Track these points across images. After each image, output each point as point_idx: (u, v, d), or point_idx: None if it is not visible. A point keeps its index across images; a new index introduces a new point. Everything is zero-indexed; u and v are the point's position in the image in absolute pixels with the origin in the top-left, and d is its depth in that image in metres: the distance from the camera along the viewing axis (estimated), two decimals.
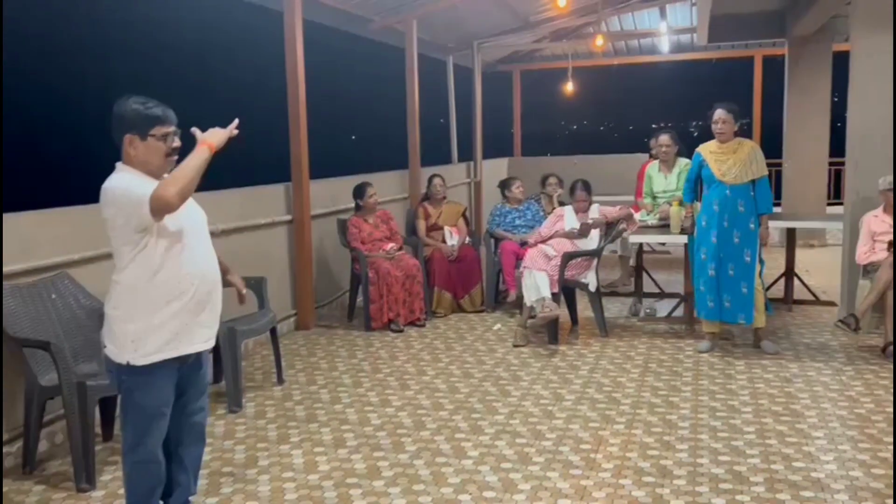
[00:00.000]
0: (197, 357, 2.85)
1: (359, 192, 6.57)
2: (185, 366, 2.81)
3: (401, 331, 6.15)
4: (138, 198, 2.54)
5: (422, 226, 7.01)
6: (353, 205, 6.67)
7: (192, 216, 2.79)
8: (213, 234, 3.01)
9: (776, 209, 10.20)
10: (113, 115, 2.68)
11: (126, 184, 2.62)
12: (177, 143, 2.72)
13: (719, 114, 5.18)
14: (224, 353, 4.52)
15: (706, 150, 5.27)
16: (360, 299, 6.45)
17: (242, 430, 4.17)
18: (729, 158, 5.16)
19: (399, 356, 5.50)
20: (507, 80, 13.58)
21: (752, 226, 5.15)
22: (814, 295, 6.69)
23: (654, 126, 7.03)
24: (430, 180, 7.19)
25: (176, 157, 2.71)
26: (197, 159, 2.58)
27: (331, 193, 6.96)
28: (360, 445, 3.91)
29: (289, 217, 6.24)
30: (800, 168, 9.83)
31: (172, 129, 2.71)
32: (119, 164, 2.71)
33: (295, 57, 6.03)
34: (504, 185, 7.30)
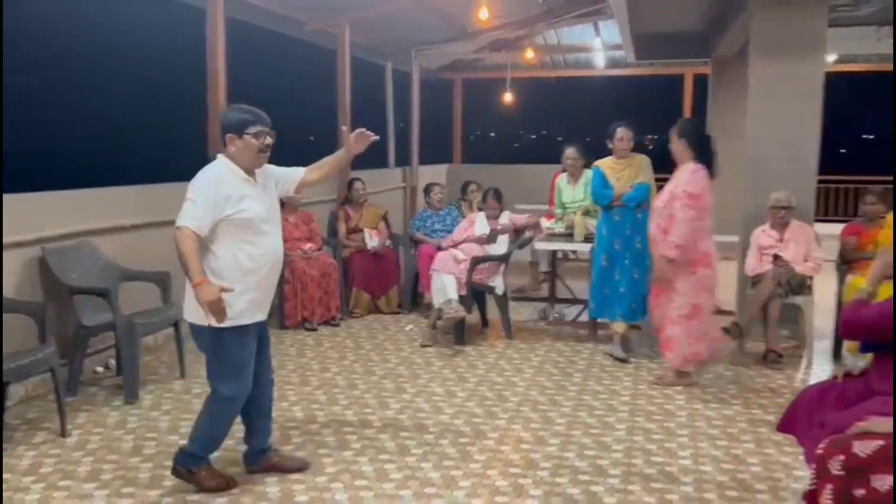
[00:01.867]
0: (265, 322, 3.43)
1: None
2: (260, 328, 3.38)
3: (314, 329, 6.27)
4: (191, 201, 3.13)
5: (342, 228, 7.15)
6: None
7: (271, 209, 3.34)
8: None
9: None
10: (219, 122, 3.37)
11: (213, 178, 3.19)
12: (269, 140, 3.25)
13: (624, 132, 5.51)
14: (123, 346, 4.61)
15: (604, 164, 5.57)
16: (275, 298, 6.54)
17: (134, 421, 4.25)
18: (625, 171, 5.45)
19: (307, 353, 5.63)
20: (450, 87, 13.79)
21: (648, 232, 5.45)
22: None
23: (602, 134, 7.24)
24: (350, 183, 7.34)
25: (268, 154, 3.29)
26: (188, 265, 3.08)
27: None
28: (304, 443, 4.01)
29: None
30: (720, 184, 10.17)
31: (264, 128, 3.25)
32: (220, 155, 3.30)
33: (216, 55, 6.12)
34: (426, 191, 7.51)
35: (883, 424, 2.54)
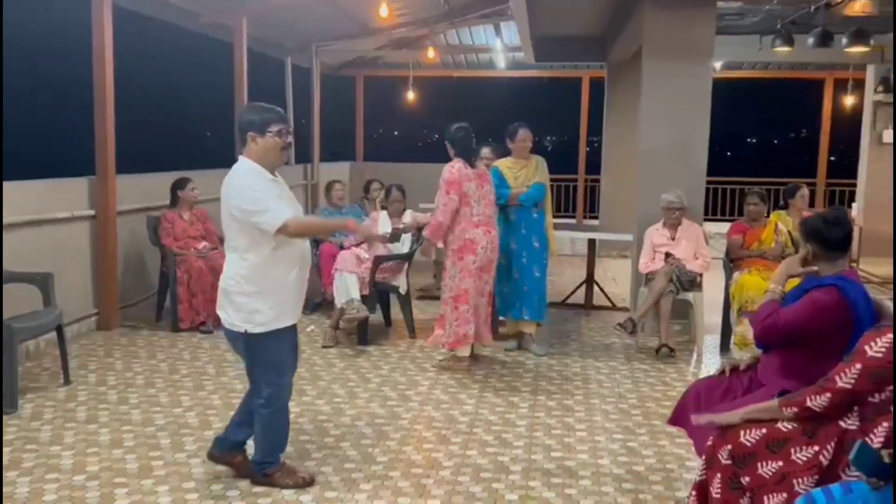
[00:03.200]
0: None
1: (179, 184, 6.43)
2: (293, 331, 3.41)
3: (210, 332, 6.05)
4: (265, 208, 3.11)
5: None
6: (166, 202, 6.50)
7: (296, 209, 3.34)
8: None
9: (594, 222, 10.91)
10: (238, 122, 3.29)
11: (255, 175, 3.17)
12: (290, 138, 3.26)
13: (524, 133, 5.60)
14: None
15: (503, 164, 5.65)
16: (169, 300, 6.29)
17: (13, 432, 3.98)
18: (522, 171, 5.54)
19: (202, 357, 5.43)
20: (352, 84, 13.65)
21: (546, 231, 5.55)
22: (610, 301, 7.22)
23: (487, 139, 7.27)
24: None
25: (289, 151, 3.36)
26: (333, 225, 3.54)
27: (143, 189, 6.75)
28: (137, 445, 3.85)
29: (92, 212, 6.00)
30: (614, 184, 10.53)
31: (285, 126, 3.25)
32: (241, 157, 3.25)
33: (102, 45, 5.81)
34: (328, 188, 7.39)
35: (732, 414, 2.67)
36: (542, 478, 3.56)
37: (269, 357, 3.30)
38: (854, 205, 10.05)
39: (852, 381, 2.38)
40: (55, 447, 3.80)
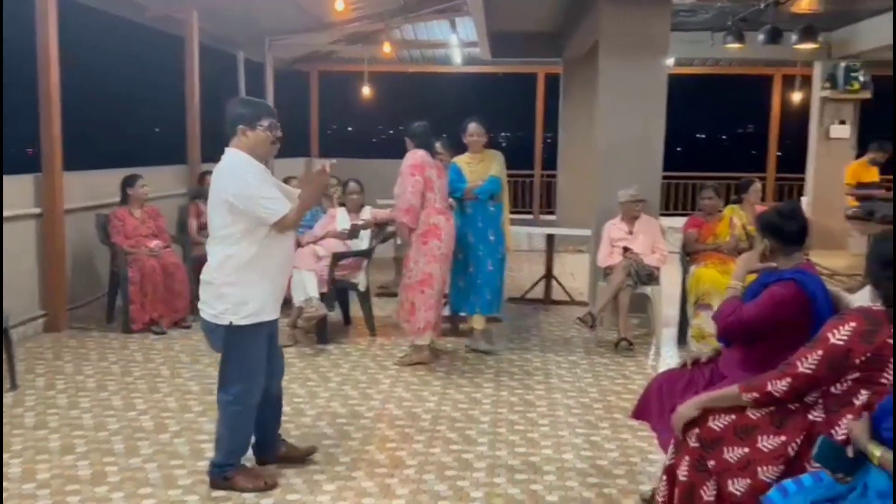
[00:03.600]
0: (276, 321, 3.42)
1: (129, 181, 6.25)
2: (272, 326, 3.37)
3: (163, 333, 5.90)
4: (269, 196, 3.17)
5: (193, 224, 6.78)
6: (117, 200, 6.31)
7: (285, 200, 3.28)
8: None
9: (551, 217, 10.96)
10: (228, 114, 3.24)
11: (248, 170, 3.18)
12: (279, 133, 3.26)
13: (474, 128, 5.60)
14: None
15: (461, 160, 5.65)
16: (121, 300, 6.12)
17: None
18: (478, 165, 5.53)
19: (155, 359, 5.29)
20: (306, 79, 13.48)
21: (502, 225, 5.54)
22: (569, 295, 7.25)
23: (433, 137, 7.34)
24: (202, 177, 6.98)
25: (278, 145, 3.29)
26: (306, 206, 3.34)
27: (91, 186, 6.55)
28: (89, 451, 3.72)
29: (38, 210, 5.80)
30: (571, 179, 10.61)
31: (274, 120, 3.25)
32: (231, 149, 3.23)
33: (47, 38, 5.61)
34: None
35: (686, 407, 2.68)
36: (507, 474, 3.55)
37: (247, 353, 3.27)
38: (803, 199, 10.28)
39: (813, 366, 2.39)
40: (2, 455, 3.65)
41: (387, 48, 10.15)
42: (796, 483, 2.20)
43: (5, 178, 5.81)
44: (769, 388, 2.49)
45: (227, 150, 3.25)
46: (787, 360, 2.48)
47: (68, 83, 5.95)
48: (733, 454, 2.55)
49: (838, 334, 2.35)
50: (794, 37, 7.51)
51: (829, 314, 2.71)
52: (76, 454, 3.68)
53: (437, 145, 6.71)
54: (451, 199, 5.57)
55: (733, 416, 2.59)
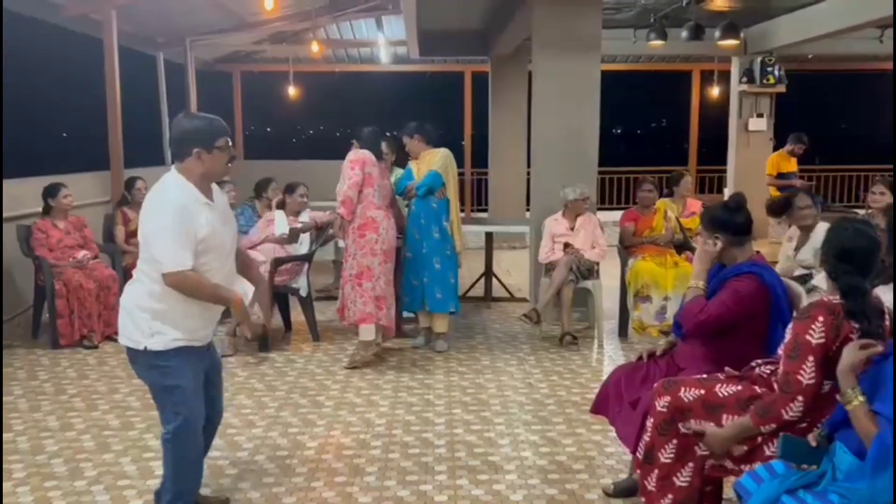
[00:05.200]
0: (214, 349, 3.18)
1: (51, 191, 5.95)
2: (207, 352, 3.08)
3: (95, 347, 5.65)
4: (176, 244, 2.75)
5: (120, 232, 6.51)
6: (38, 209, 6.01)
7: (224, 242, 2.95)
8: None
9: (484, 214, 11.02)
10: (177, 132, 2.88)
11: (176, 207, 2.76)
12: (234, 151, 2.93)
13: (385, 145, 5.61)
14: None
15: (413, 164, 5.63)
16: (47, 315, 5.82)
17: None
18: (423, 165, 5.51)
19: (90, 375, 5.05)
20: (230, 80, 13.14)
21: (445, 223, 5.52)
22: (509, 292, 7.30)
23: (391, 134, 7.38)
24: (130, 182, 6.70)
25: (232, 164, 2.94)
26: (221, 297, 2.89)
27: (11, 196, 6.20)
28: (29, 476, 3.52)
29: None
30: (502, 177, 10.69)
31: (229, 137, 2.92)
32: (176, 171, 2.85)
33: None
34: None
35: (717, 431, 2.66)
36: (469, 475, 3.54)
37: (173, 381, 2.89)
38: (725, 190, 10.65)
39: (813, 375, 2.36)
40: None
41: (315, 47, 9.98)
42: (767, 469, 2.26)
43: None
44: (786, 416, 2.41)
45: (171, 173, 2.86)
46: (783, 379, 2.42)
47: None
48: (700, 426, 2.64)
49: (816, 334, 2.36)
50: (716, 33, 7.74)
51: (786, 303, 2.80)
52: (14, 480, 3.48)
53: (383, 146, 6.67)
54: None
55: (703, 392, 2.67)
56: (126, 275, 6.24)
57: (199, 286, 2.80)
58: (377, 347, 5.27)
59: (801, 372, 2.38)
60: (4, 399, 4.57)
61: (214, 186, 2.96)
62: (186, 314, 2.88)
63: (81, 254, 5.91)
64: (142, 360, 2.91)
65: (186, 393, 2.92)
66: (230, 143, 2.91)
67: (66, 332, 5.64)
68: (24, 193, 6.21)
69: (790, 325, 2.46)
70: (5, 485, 3.44)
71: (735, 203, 3.13)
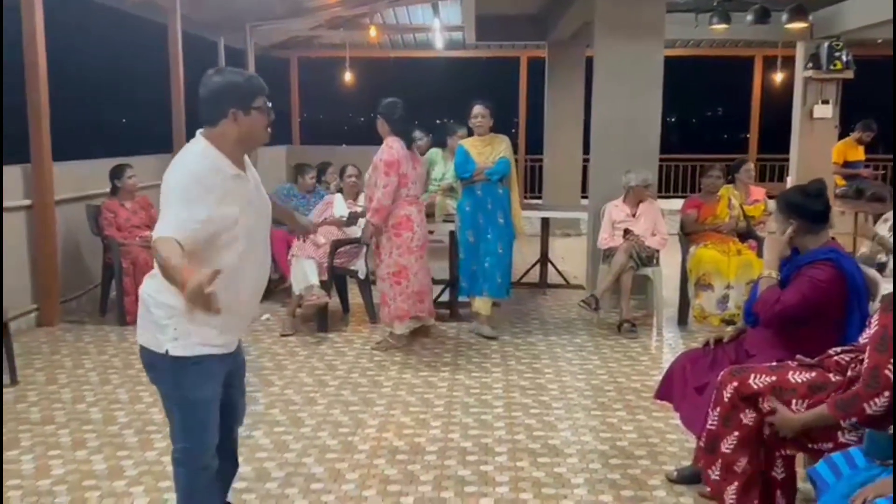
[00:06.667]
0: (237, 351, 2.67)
1: (117, 172, 6.12)
2: (233, 359, 2.61)
3: None
4: (177, 209, 2.27)
5: None
6: (107, 189, 6.19)
7: (260, 223, 2.54)
8: None
9: (538, 201, 10.96)
10: (208, 91, 2.43)
11: (198, 178, 2.32)
12: (272, 115, 2.52)
13: (479, 109, 5.51)
14: None
15: (468, 142, 5.61)
16: (114, 292, 6.00)
17: None
18: (486, 147, 5.49)
19: None
20: (287, 65, 13.30)
21: (510, 208, 5.53)
22: (565, 279, 7.25)
23: (448, 120, 7.37)
24: None
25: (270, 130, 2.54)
26: (174, 276, 2.12)
27: (80, 177, 6.40)
28: (102, 445, 3.65)
29: (27, 202, 5.66)
30: (557, 163, 10.60)
31: (267, 98, 2.50)
32: (203, 137, 2.42)
33: (33, 27, 5.45)
34: (299, 171, 7.21)
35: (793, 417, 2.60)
36: (529, 458, 3.54)
37: (190, 394, 2.46)
38: (788, 179, 10.38)
39: None
40: (12, 451, 3.56)
41: (373, 32, 10.02)
42: (846, 458, 2.20)
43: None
44: (868, 411, 2.33)
45: (195, 140, 2.44)
46: (870, 374, 2.32)
47: (54, 72, 5.80)
48: (774, 405, 2.59)
49: None
50: (783, 16, 7.53)
51: (864, 290, 2.73)
52: (89, 449, 3.61)
53: (418, 133, 6.68)
54: (452, 182, 5.57)
55: (774, 378, 2.62)
56: None
57: (168, 257, 2.14)
58: (405, 340, 5.27)
59: (888, 367, 2.27)
60: (77, 372, 4.74)
61: (246, 159, 2.54)
62: (227, 310, 2.28)
63: (147, 233, 6.06)
64: (160, 365, 2.45)
65: (200, 410, 2.49)
66: (269, 105, 2.50)
67: (133, 309, 5.76)
68: (94, 174, 6.39)
69: (875, 316, 2.38)
70: (80, 452, 3.57)
71: (815, 189, 3.05)
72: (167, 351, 2.40)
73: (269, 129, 2.52)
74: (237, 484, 3.24)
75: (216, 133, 2.41)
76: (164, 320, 2.39)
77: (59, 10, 6.13)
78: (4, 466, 3.41)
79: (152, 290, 2.43)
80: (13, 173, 5.63)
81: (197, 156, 2.39)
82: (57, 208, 5.84)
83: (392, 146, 5.05)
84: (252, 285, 2.56)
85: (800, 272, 2.90)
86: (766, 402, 2.61)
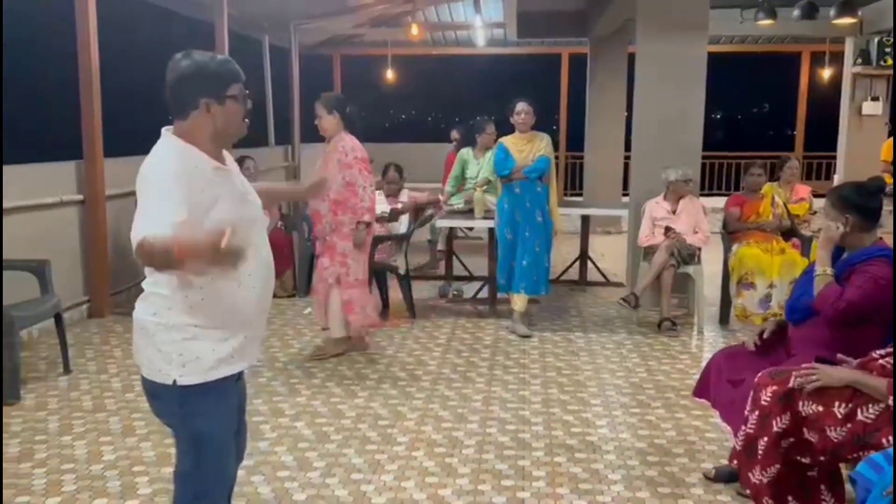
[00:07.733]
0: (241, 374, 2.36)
1: None
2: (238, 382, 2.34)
3: None
4: (160, 213, 1.93)
5: None
6: None
7: (253, 218, 2.24)
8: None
9: (578, 199, 10.92)
10: (175, 78, 2.11)
11: (177, 171, 2.02)
12: (249, 104, 2.22)
13: (522, 106, 5.52)
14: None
15: (507, 140, 5.61)
16: None
17: (19, 423, 3.87)
18: (526, 145, 5.50)
19: None
20: (329, 63, 13.46)
21: (549, 206, 5.54)
22: (604, 276, 7.23)
23: (483, 116, 7.39)
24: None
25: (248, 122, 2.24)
26: (167, 246, 1.79)
27: (130, 172, 6.55)
28: (150, 433, 3.76)
29: (80, 197, 5.84)
30: (598, 160, 10.55)
31: (242, 85, 2.20)
32: (170, 135, 2.13)
33: (87, 25, 5.63)
34: (384, 171, 7.28)
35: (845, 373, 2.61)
36: (566, 453, 3.56)
37: (206, 427, 2.18)
38: (835, 176, 10.18)
39: None
40: (66, 437, 3.71)
41: (415, 30, 10.09)
42: (886, 458, 2.19)
43: (49, 164, 5.87)
44: None
45: (163, 139, 2.14)
46: None
47: (106, 70, 5.97)
48: (806, 408, 2.56)
49: None
50: (831, 11, 7.39)
51: None
52: (138, 436, 3.73)
53: (454, 133, 6.70)
54: (489, 177, 5.59)
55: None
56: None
57: (153, 241, 1.82)
58: (347, 345, 5.08)
59: None
60: (126, 362, 4.88)
61: (225, 152, 2.25)
62: (238, 322, 2.17)
63: None
64: (166, 396, 2.16)
65: (215, 443, 2.21)
66: (246, 93, 2.20)
67: None
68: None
69: None
70: (130, 439, 3.69)
71: (875, 186, 3.01)
72: (174, 381, 2.12)
73: (246, 121, 2.23)
74: (280, 473, 3.34)
75: (187, 128, 2.12)
76: (167, 346, 2.10)
77: (110, 9, 6.28)
78: (61, 452, 3.55)
79: (147, 312, 2.13)
80: (67, 169, 5.82)
81: (173, 153, 2.09)
82: (108, 203, 6.02)
83: (354, 142, 4.83)
84: (261, 284, 2.24)
85: (855, 269, 2.86)
86: (803, 400, 2.59)
